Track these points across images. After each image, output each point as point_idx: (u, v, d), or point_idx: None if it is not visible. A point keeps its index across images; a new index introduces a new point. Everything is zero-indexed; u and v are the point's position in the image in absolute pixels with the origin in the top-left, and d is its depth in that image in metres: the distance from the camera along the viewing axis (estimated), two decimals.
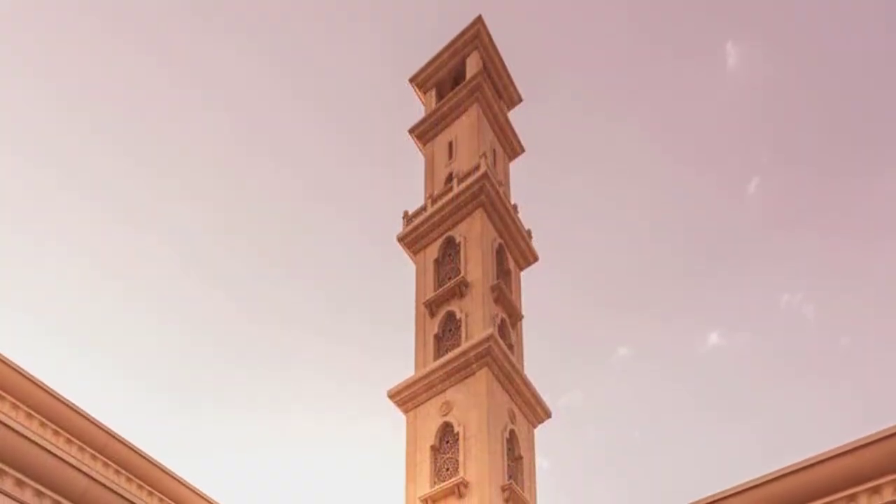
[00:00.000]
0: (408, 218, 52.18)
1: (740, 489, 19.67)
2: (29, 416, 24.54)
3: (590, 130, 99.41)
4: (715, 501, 19.95)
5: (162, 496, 28.28)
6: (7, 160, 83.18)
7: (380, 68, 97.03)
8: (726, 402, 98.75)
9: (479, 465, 41.63)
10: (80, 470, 18.54)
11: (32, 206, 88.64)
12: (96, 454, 26.31)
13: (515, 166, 58.02)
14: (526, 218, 53.50)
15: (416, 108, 58.95)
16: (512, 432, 44.74)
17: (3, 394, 24.03)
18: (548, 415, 48.22)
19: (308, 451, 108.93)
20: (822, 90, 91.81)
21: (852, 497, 18.39)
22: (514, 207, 52.78)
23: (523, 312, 50.38)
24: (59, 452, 18.28)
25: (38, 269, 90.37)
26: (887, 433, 18.01)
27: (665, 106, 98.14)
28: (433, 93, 57.14)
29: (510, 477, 43.29)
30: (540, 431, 48.64)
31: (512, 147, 57.13)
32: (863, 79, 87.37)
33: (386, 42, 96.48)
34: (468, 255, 48.24)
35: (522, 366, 48.20)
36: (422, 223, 50.86)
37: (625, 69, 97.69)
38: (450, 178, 52.25)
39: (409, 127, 56.58)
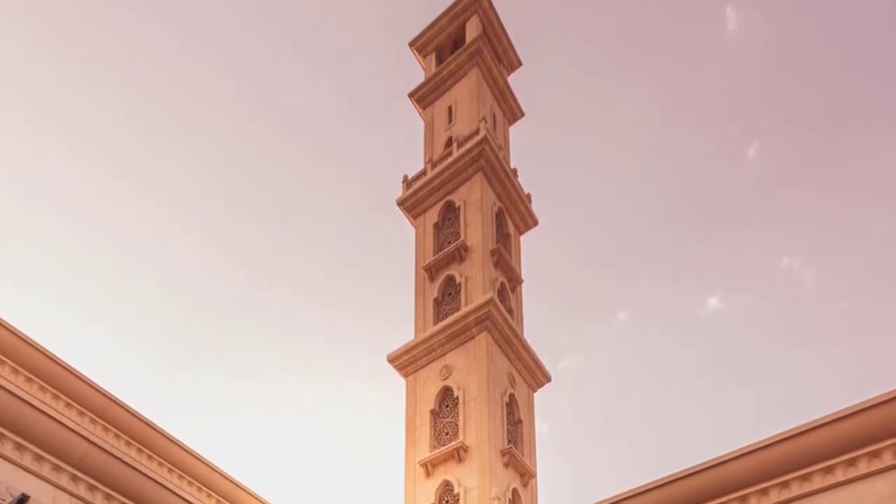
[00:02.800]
0: (407, 182, 52.07)
1: (740, 453, 19.69)
2: (28, 380, 24.53)
3: (590, 94, 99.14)
4: (715, 465, 19.97)
5: (161, 460, 28.34)
6: (6, 124, 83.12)
7: (379, 32, 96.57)
8: (726, 366, 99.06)
9: (478, 429, 41.71)
10: (79, 434, 18.55)
11: (31, 170, 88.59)
12: (96, 418, 26.34)
13: (515, 130, 57.85)
14: (526, 182, 53.38)
15: (415, 72, 58.74)
16: (511, 396, 44.81)
17: (3, 358, 24.01)
18: (547, 379, 48.28)
19: (307, 414, 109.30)
20: (822, 54, 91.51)
21: (852, 461, 18.40)
22: (514, 171, 52.62)
23: (523, 276, 50.34)
24: (58, 416, 18.29)
25: (37, 233, 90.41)
26: (887, 397, 18.00)
27: (665, 70, 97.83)
28: (433, 57, 56.87)
29: (510, 441, 43.38)
30: (539, 395, 48.73)
31: (511, 111, 56.93)
32: (863, 42, 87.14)
33: (386, 6, 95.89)
34: (468, 220, 48.16)
35: (522, 330, 48.19)
36: (421, 187, 50.76)
37: (625, 33, 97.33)
38: (449, 143, 52.05)
39: (408, 91, 56.39)
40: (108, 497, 18.96)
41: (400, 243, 76.29)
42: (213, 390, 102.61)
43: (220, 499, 30.45)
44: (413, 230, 51.31)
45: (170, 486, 20.37)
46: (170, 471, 28.59)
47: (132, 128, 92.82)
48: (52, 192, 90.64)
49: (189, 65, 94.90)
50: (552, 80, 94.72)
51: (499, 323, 44.13)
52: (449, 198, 49.81)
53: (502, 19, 56.36)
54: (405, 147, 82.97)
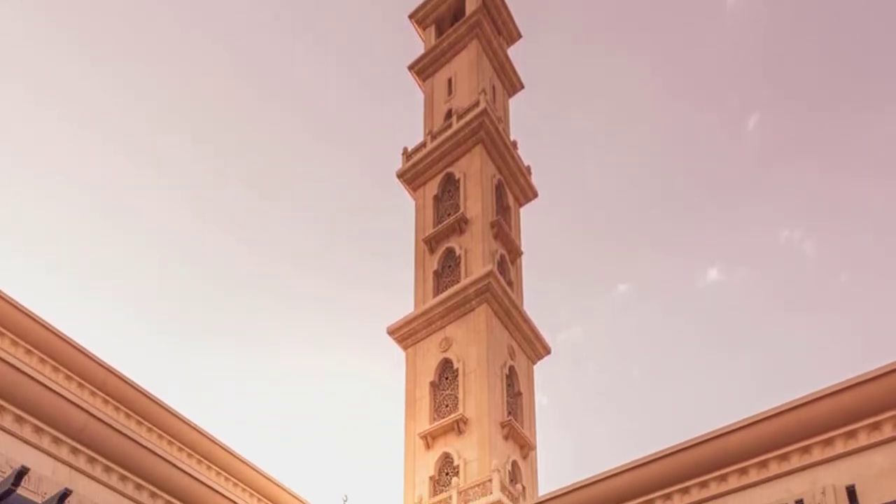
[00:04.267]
0: (407, 154, 51.98)
1: (739, 425, 19.69)
2: (28, 352, 24.51)
3: (589, 67, 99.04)
4: (715, 437, 19.97)
5: (161, 432, 28.34)
6: (7, 95, 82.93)
7: (379, 5, 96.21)
8: (726, 338, 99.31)
9: (478, 401, 41.78)
10: (79, 406, 18.54)
11: (33, 141, 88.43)
12: (95, 390, 26.33)
13: (515, 103, 57.73)
14: (525, 154, 53.30)
15: (415, 44, 58.53)
16: (511, 368, 44.87)
17: (2, 330, 23.98)
18: (547, 351, 48.34)
19: (307, 386, 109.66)
20: (822, 27, 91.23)
21: (852, 433, 18.40)
22: (514, 144, 52.50)
23: (523, 249, 50.32)
24: (57, 388, 18.27)
25: (38, 205, 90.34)
26: (887, 369, 17.98)
27: (665, 42, 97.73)
28: (433, 29, 56.63)
29: (509, 413, 43.45)
30: (539, 367, 48.82)
31: (511, 83, 56.78)
32: (862, 14, 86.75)
33: None
34: (467, 192, 48.11)
35: (522, 302, 48.20)
36: (421, 159, 50.69)
37: (625, 7, 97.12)
38: (449, 115, 51.97)
39: (408, 64, 56.20)
40: (107, 469, 18.96)
41: (400, 215, 76.41)
42: (213, 361, 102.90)
43: (220, 470, 30.48)
44: (413, 202, 51.26)
45: (169, 458, 20.38)
46: (169, 443, 28.61)
47: (134, 102, 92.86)
48: (52, 165, 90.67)
49: (190, 38, 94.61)
50: (552, 53, 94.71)
51: (498, 295, 44.13)
52: (449, 170, 49.75)
53: None
54: (405, 119, 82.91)
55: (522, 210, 52.85)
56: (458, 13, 56.02)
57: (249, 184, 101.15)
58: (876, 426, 18.14)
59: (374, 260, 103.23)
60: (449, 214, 48.67)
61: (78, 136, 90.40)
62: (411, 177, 51.15)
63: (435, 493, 41.36)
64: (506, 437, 42.22)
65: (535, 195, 52.89)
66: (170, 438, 28.65)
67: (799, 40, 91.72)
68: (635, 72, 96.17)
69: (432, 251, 48.08)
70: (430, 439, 42.41)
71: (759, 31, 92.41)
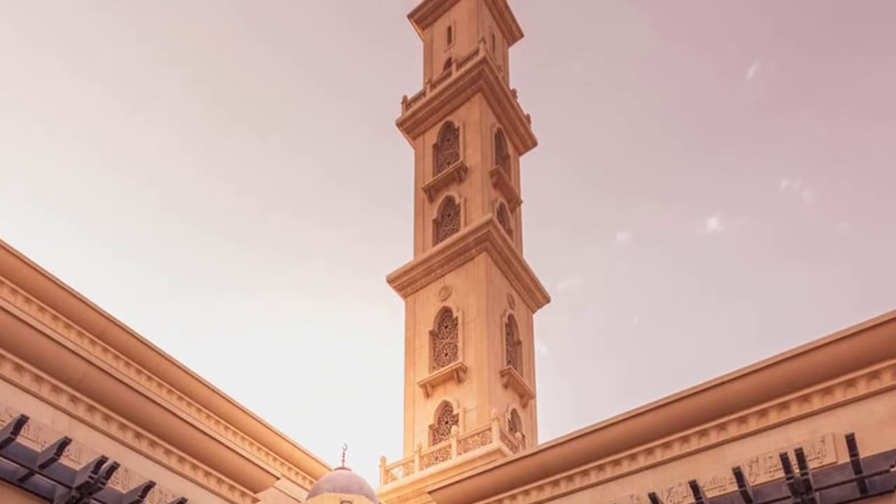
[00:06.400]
0: (407, 103, 51.81)
1: (739, 374, 19.67)
2: (27, 300, 24.49)
3: (589, 15, 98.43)
4: (715, 386, 19.96)
5: (161, 381, 28.40)
6: (5, 42, 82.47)
7: None
8: (725, 287, 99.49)
9: (477, 350, 41.85)
10: (78, 355, 18.52)
11: (30, 87, 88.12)
12: (95, 339, 26.34)
13: (514, 51, 57.42)
14: (525, 103, 53.20)
15: None
16: (511, 317, 44.92)
17: (1, 278, 23.94)
18: (547, 300, 48.40)
19: (306, 335, 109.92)
20: None
21: (851, 382, 18.37)
22: (514, 92, 52.31)
23: (522, 197, 50.27)
24: (57, 337, 18.24)
25: (36, 152, 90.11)
26: (886, 318, 17.93)
27: None
28: None
29: (509, 362, 43.57)
30: (539, 316, 48.93)
31: (511, 32, 56.43)
32: None
33: None
34: (467, 140, 47.98)
35: (521, 251, 48.20)
36: (420, 108, 50.53)
37: None
38: (449, 63, 51.71)
39: (408, 12, 55.81)
40: (107, 418, 18.97)
41: (399, 164, 76.23)
42: (213, 309, 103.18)
43: (220, 419, 30.58)
44: (412, 151, 51.13)
45: (169, 406, 20.39)
46: (169, 391, 28.68)
47: (134, 46, 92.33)
48: (51, 112, 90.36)
49: None
50: (551, 1, 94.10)
51: (498, 244, 44.09)
52: (448, 118, 49.59)
53: None
54: (405, 68, 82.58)
55: (522, 158, 52.75)
56: None
57: (250, 133, 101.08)
58: (875, 375, 18.12)
59: (373, 208, 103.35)
60: (448, 163, 48.57)
61: (76, 81, 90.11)
62: (411, 125, 51.03)
63: (434, 441, 41.54)
64: (505, 386, 42.35)
65: (535, 144, 52.76)
66: (169, 387, 28.72)
67: None
68: (635, 19, 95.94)
69: (431, 200, 48.01)
70: (429, 388, 42.53)
71: None
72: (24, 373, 17.53)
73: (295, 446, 33.36)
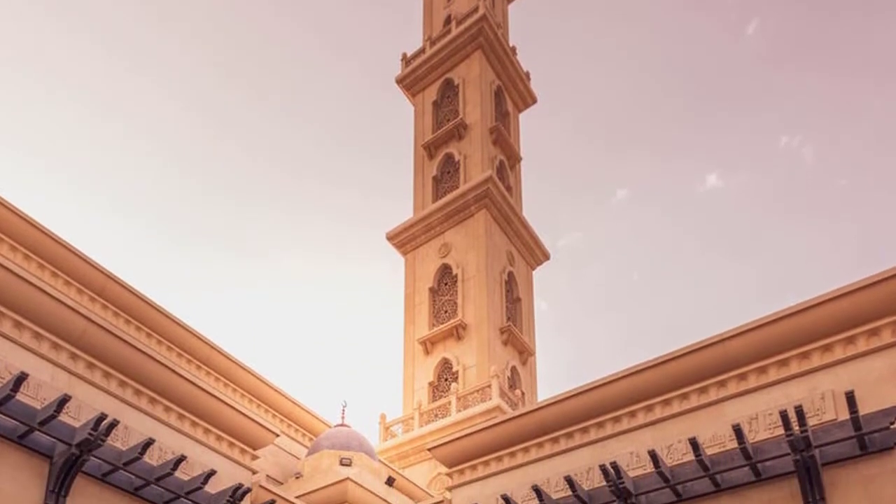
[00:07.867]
0: (406, 60, 51.60)
1: (739, 331, 19.65)
2: (27, 257, 24.46)
3: None
4: (714, 343, 19.95)
5: (161, 338, 28.43)
6: (5, 2, 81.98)
7: None
8: (725, 243, 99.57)
9: (477, 306, 41.91)
10: (78, 312, 18.50)
11: (33, 48, 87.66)
12: (95, 296, 26.33)
13: (514, 8, 57.10)
14: (525, 60, 52.95)
15: None
16: (510, 274, 44.95)
17: (1, 235, 23.89)
18: (546, 256, 48.42)
19: (307, 291, 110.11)
20: None
21: (851, 339, 18.35)
22: (513, 49, 52.07)
23: (522, 154, 50.20)
24: (57, 294, 18.21)
25: (36, 110, 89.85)
26: (885, 275, 17.89)
27: None
28: None
29: (509, 318, 43.64)
30: (539, 273, 49.00)
31: None
32: None
33: None
34: (467, 97, 47.83)
35: (521, 208, 48.18)
36: (420, 65, 50.35)
37: None
38: (448, 20, 51.47)
39: None
40: (106, 375, 18.98)
41: (399, 121, 76.03)
42: (213, 266, 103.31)
43: (219, 376, 30.66)
44: (412, 108, 50.97)
45: (169, 363, 20.41)
46: (169, 349, 28.73)
47: (132, 4, 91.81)
48: (51, 69, 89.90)
49: None
50: None
51: (497, 201, 44.06)
52: (448, 75, 49.43)
53: None
54: (404, 25, 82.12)
55: (522, 116, 52.61)
56: None
57: (249, 90, 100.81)
58: (875, 332, 18.10)
59: (373, 165, 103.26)
60: (448, 120, 48.45)
61: (77, 39, 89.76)
62: (410, 82, 50.86)
63: (434, 398, 41.70)
64: (505, 343, 42.43)
65: (535, 101, 52.59)
66: (169, 344, 28.76)
67: None
68: None
69: (431, 157, 47.93)
70: (429, 345, 42.62)
71: None
72: (24, 330, 17.51)
73: (295, 403, 33.45)
